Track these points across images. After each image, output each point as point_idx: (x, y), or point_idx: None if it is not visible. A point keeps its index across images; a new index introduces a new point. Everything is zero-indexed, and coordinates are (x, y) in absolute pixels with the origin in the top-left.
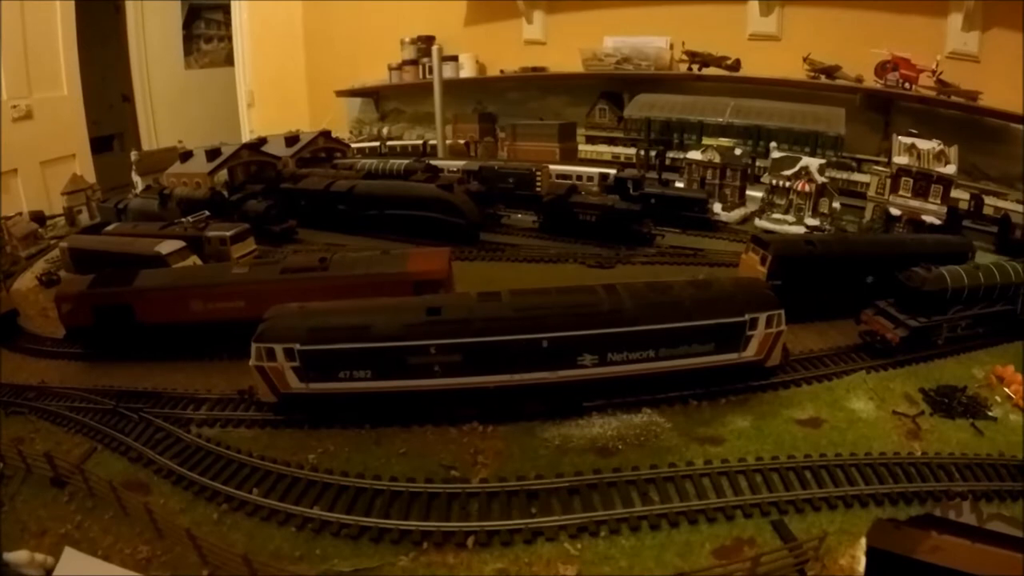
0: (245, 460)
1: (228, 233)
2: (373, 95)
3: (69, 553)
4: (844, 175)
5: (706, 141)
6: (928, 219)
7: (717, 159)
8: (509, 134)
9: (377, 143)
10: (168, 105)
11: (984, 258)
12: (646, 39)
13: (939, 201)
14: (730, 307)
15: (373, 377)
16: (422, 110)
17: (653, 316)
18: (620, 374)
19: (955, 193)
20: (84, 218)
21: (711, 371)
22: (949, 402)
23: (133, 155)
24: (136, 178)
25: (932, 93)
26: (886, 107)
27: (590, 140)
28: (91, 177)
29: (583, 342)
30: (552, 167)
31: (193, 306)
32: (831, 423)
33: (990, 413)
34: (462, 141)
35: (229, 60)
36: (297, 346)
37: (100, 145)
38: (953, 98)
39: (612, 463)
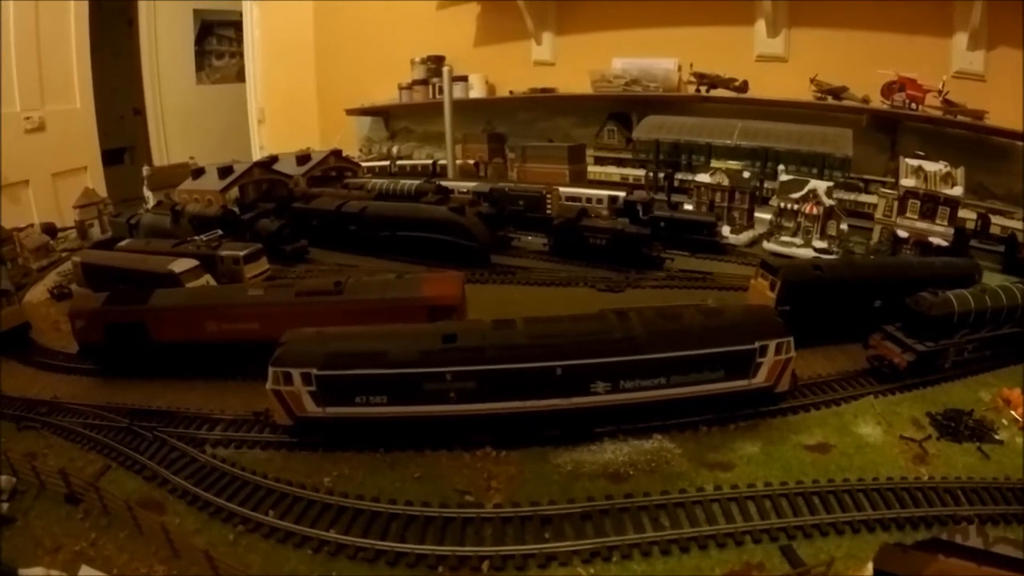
0: (260, 482)
1: (242, 253)
2: (383, 114)
3: (85, 571)
4: (852, 196)
5: (715, 164)
6: (935, 241)
7: (726, 182)
8: (519, 155)
9: (387, 162)
10: (179, 120)
11: (992, 279)
12: (654, 61)
13: (946, 223)
14: (740, 335)
15: (389, 402)
16: (432, 130)
17: (664, 344)
18: (632, 401)
19: (962, 213)
20: (96, 232)
21: (721, 397)
22: (956, 426)
23: (145, 170)
24: (148, 193)
25: (938, 113)
26: (893, 127)
27: (599, 161)
28: (102, 190)
29: (596, 370)
30: (562, 189)
31: (207, 326)
32: (839, 448)
33: (996, 436)
34: (471, 161)
35: (240, 76)
36: (314, 371)
37: (111, 158)
38: (959, 118)
39: (624, 488)
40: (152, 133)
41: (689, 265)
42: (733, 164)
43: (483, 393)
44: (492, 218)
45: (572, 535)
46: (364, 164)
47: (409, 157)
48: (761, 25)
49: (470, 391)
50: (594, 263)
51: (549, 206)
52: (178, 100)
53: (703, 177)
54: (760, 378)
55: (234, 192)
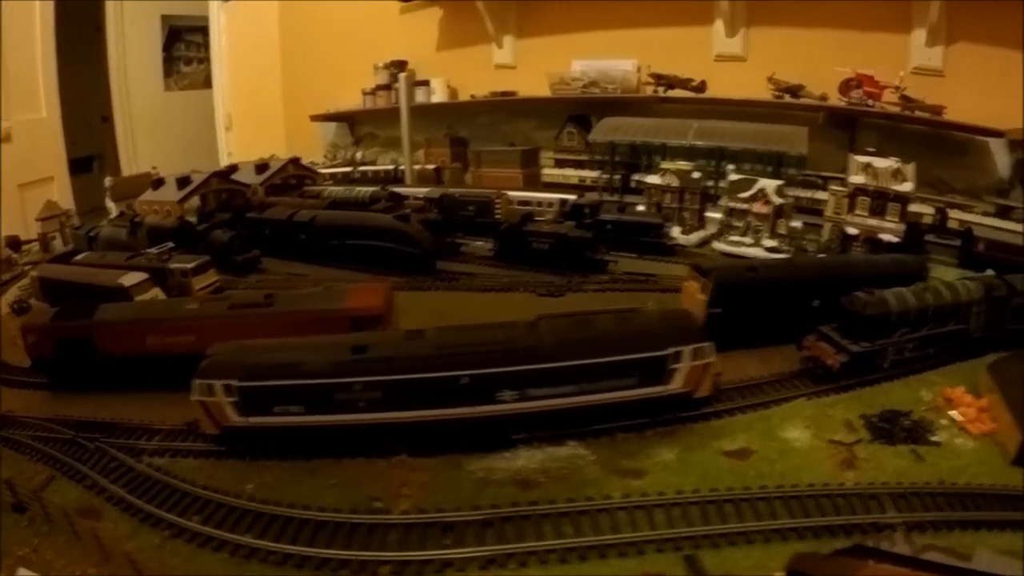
0: (189, 489)
1: (189, 265)
2: (348, 120)
3: (23, 574)
4: (808, 194)
5: (664, 165)
6: (886, 237)
7: (675, 183)
8: (474, 160)
9: (349, 168)
10: (147, 127)
11: (947, 273)
12: (613, 62)
13: (897, 219)
14: (653, 341)
15: (305, 412)
16: (395, 134)
17: (573, 351)
18: (541, 409)
19: (919, 208)
20: (58, 244)
21: (636, 404)
22: (890, 428)
23: (107, 181)
24: (110, 204)
25: (897, 109)
26: (851, 124)
27: (559, 164)
28: (68, 200)
29: (502, 378)
30: (512, 194)
31: (148, 340)
32: (761, 454)
33: (933, 438)
34: (431, 166)
35: (208, 83)
36: (235, 382)
37: (79, 166)
38: (917, 113)
39: (532, 496)
40: (120, 141)
41: (635, 267)
42: (683, 165)
43: (391, 402)
44: (440, 224)
45: (473, 542)
46: (326, 171)
47: (374, 162)
48: (719, 25)
49: (379, 400)
50: (538, 268)
51: (498, 211)
52: (146, 107)
53: (653, 178)
54: (676, 384)
55: (195, 202)
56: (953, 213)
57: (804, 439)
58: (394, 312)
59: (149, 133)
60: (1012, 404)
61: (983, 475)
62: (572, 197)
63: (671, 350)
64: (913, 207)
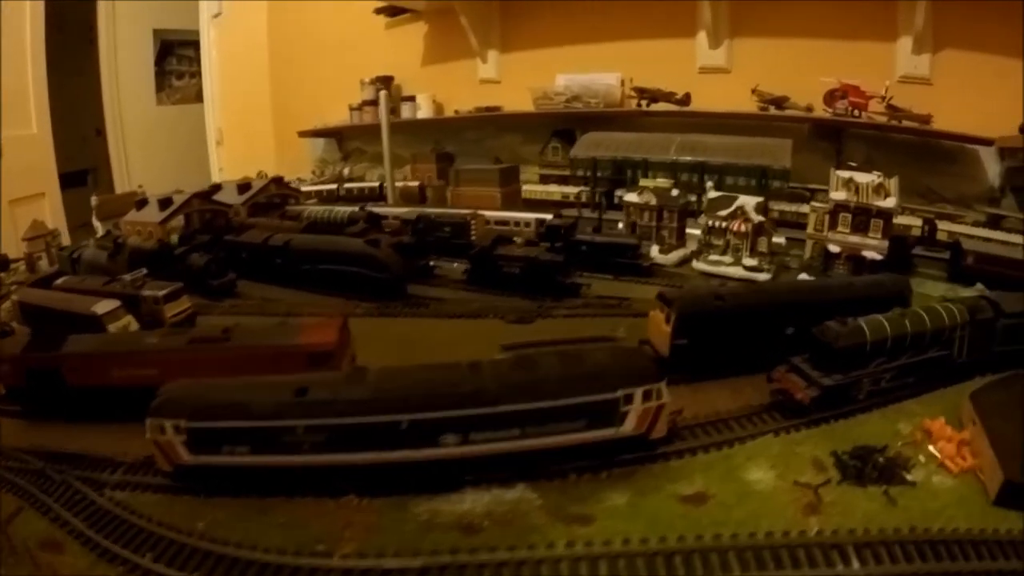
0: (144, 525)
1: (161, 293)
2: (336, 135)
3: None
4: (794, 208)
5: (643, 182)
6: (869, 255)
7: (653, 201)
8: (452, 178)
9: (335, 185)
10: (139, 141)
11: (935, 288)
12: (596, 76)
13: (880, 236)
14: (601, 383)
15: (251, 452)
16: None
17: (515, 395)
18: (486, 452)
19: (907, 220)
20: (44, 264)
21: (587, 447)
22: (862, 466)
23: (93, 200)
24: (96, 223)
25: (883, 119)
26: (838, 135)
27: (544, 179)
28: (60, 216)
29: (443, 423)
30: (489, 214)
31: (114, 372)
32: (719, 498)
33: (909, 477)
34: (414, 184)
35: (200, 97)
36: (183, 422)
37: (74, 180)
38: (904, 123)
39: (475, 541)
40: (112, 154)
41: (611, 290)
42: (661, 182)
43: (334, 444)
44: (412, 247)
45: None
46: (311, 188)
47: (362, 178)
48: (703, 36)
49: (322, 442)
50: (510, 292)
51: (473, 232)
52: (138, 120)
53: (631, 196)
54: (629, 426)
55: (180, 223)
56: (943, 224)
57: (767, 481)
58: (351, 345)
59: (142, 147)
60: (994, 437)
61: (961, 518)
62: (549, 216)
63: (620, 393)
64: (901, 219)
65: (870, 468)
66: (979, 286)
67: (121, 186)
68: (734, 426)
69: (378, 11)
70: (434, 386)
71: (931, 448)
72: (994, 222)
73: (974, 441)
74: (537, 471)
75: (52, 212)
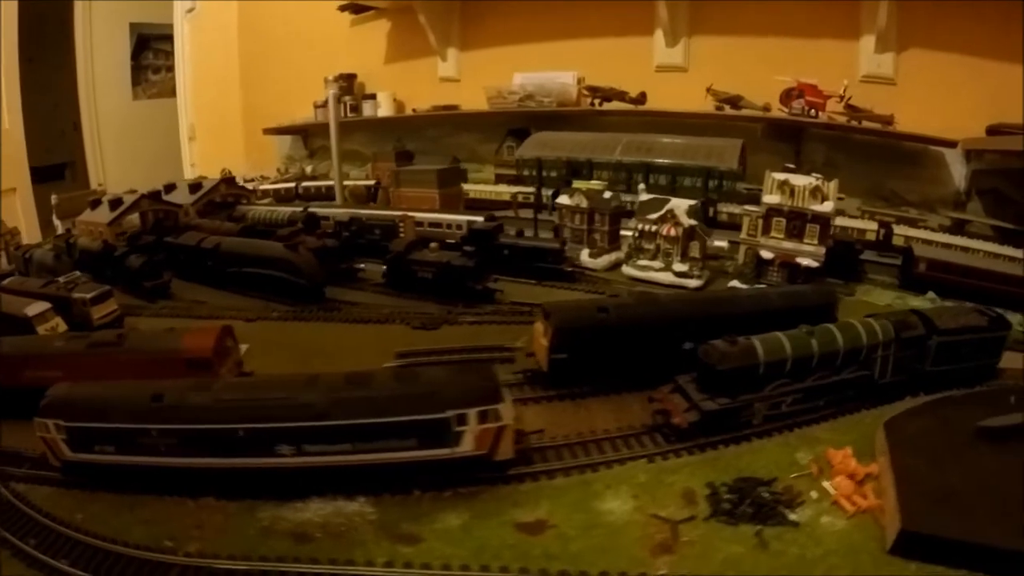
0: (32, 515)
1: (88, 295)
2: (302, 133)
3: None
4: (739, 210)
5: (576, 184)
6: (804, 262)
7: (584, 203)
8: (393, 180)
9: (292, 184)
10: (115, 135)
11: (882, 296)
12: (552, 75)
13: (816, 242)
14: (431, 403)
15: (117, 452)
16: (346, 147)
17: (344, 411)
18: (321, 464)
19: (861, 223)
20: (3, 262)
21: (425, 465)
22: (738, 502)
23: (53, 198)
24: (56, 222)
25: (843, 119)
26: (797, 135)
27: (500, 179)
28: (31, 211)
29: (277, 433)
30: (421, 215)
31: (26, 374)
32: (560, 528)
33: (792, 516)
34: (364, 183)
35: (176, 91)
36: (62, 422)
37: (51, 174)
38: (865, 123)
39: (306, 551)
40: (88, 149)
41: (532, 295)
42: (595, 184)
43: (184, 448)
44: (335, 251)
45: None
46: (270, 186)
47: (326, 175)
48: (660, 35)
49: (174, 445)
50: (424, 296)
51: (403, 234)
52: (114, 115)
53: (563, 199)
54: (467, 447)
55: (134, 221)
56: (902, 229)
57: (622, 512)
58: (235, 352)
59: (117, 141)
60: (900, 474)
61: (844, 568)
62: (480, 218)
63: (451, 413)
64: (855, 223)
65: (746, 505)
66: (931, 295)
67: (96, 181)
68: (606, 448)
69: (342, 8)
70: (269, 398)
71: (826, 484)
72: (958, 227)
73: (881, 477)
74: (381, 485)
75: (23, 207)
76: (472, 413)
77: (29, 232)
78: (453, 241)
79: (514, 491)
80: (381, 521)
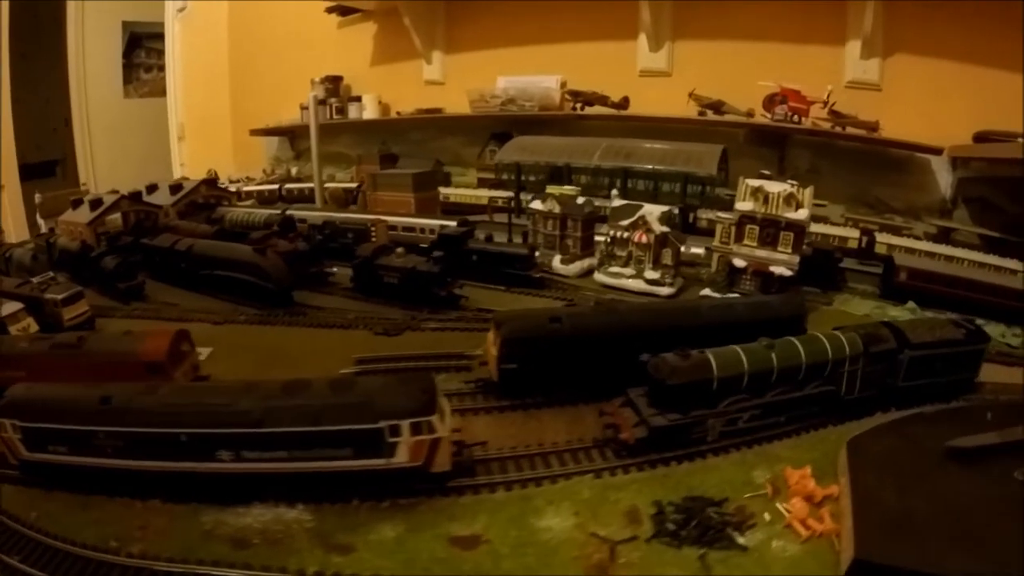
0: None
1: (59, 296)
2: (288, 134)
3: None
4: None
5: (549, 189)
6: (777, 270)
7: (557, 209)
8: (370, 184)
9: (275, 185)
10: (105, 133)
11: (861, 306)
12: (535, 79)
13: (790, 250)
14: (362, 413)
15: (68, 452)
16: (332, 149)
17: (278, 419)
18: (259, 471)
19: (844, 231)
20: None
21: (360, 475)
22: (684, 522)
23: (37, 197)
24: (41, 221)
25: (827, 125)
26: (781, 141)
27: (482, 183)
28: (19, 208)
29: (216, 439)
30: (393, 219)
31: None
32: (493, 544)
33: (740, 540)
34: (344, 186)
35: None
36: (18, 422)
37: (42, 170)
38: (850, 130)
39: (242, 557)
40: (78, 146)
41: (498, 301)
42: (568, 189)
43: (130, 450)
44: (304, 254)
45: None
46: (254, 188)
47: (311, 178)
48: (643, 39)
49: (121, 448)
50: (391, 302)
51: (374, 238)
52: (105, 113)
53: (536, 204)
54: (401, 458)
55: (118, 222)
56: (884, 237)
57: (561, 529)
58: (191, 355)
59: (107, 139)
60: (858, 498)
61: None
62: (453, 223)
63: (383, 424)
64: (837, 231)
65: (692, 526)
66: (911, 305)
67: (86, 178)
68: (552, 461)
69: (329, 10)
70: (210, 404)
71: (779, 506)
72: (944, 235)
73: (841, 499)
74: (321, 494)
75: (12, 205)
76: (405, 424)
77: (17, 230)
78: (425, 246)
79: (452, 504)
80: (318, 529)
